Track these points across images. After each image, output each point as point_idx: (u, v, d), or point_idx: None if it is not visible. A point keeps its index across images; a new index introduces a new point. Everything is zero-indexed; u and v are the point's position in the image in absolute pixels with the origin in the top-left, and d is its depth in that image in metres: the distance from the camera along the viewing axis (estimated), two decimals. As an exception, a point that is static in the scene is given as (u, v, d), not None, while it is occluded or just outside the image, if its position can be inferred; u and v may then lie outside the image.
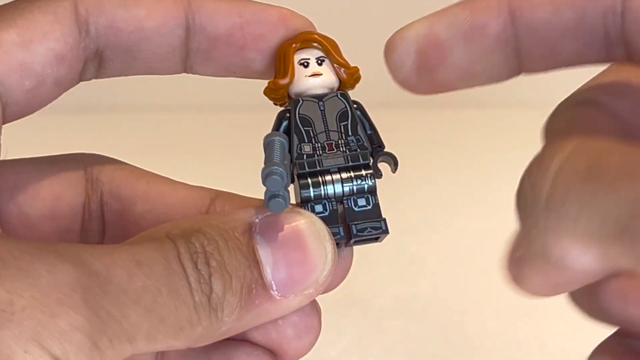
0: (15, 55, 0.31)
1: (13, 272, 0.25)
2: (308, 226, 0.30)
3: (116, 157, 0.36)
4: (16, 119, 0.33)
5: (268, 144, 0.31)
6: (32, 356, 0.24)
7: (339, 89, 0.34)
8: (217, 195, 0.36)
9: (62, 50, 0.32)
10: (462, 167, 0.79)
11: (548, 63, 0.33)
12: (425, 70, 0.32)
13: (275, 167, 0.30)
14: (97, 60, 0.33)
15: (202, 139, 0.86)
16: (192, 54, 0.34)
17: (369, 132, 0.33)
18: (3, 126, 0.31)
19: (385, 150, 0.33)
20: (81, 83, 0.34)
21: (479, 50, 0.32)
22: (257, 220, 0.30)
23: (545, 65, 0.33)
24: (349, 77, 0.34)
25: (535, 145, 0.29)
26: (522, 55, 0.33)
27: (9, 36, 0.31)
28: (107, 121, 0.88)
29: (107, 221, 0.36)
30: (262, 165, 0.30)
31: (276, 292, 0.29)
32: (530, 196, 0.26)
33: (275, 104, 0.34)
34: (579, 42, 0.32)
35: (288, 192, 0.30)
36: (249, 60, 0.34)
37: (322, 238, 0.31)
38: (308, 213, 0.31)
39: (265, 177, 0.30)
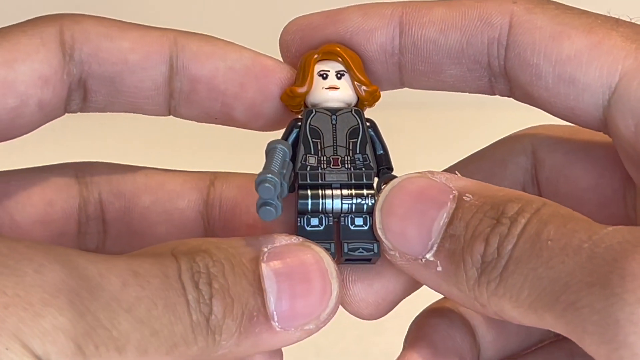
0: None
1: None
2: (316, 261, 0.30)
3: (110, 157, 0.36)
4: (0, 141, 0.33)
5: (269, 151, 0.31)
6: (14, 354, 0.24)
7: (356, 105, 0.33)
8: (216, 176, 0.36)
9: (46, 72, 0.32)
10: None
11: (429, 82, 0.34)
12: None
13: (270, 175, 0.29)
14: (81, 89, 0.33)
15: (201, 140, 0.85)
16: (175, 94, 0.34)
17: (379, 152, 0.33)
18: None
19: (393, 173, 0.33)
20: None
21: (361, 55, 0.33)
22: (265, 249, 0.30)
23: (426, 83, 0.34)
24: (367, 95, 0.33)
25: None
26: (404, 70, 0.34)
27: None
28: (102, 121, 0.88)
29: (109, 220, 0.36)
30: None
31: (277, 324, 0.29)
32: (491, 254, 0.28)
33: (292, 111, 0.34)
34: (462, 66, 0.33)
35: (281, 202, 0.30)
36: (229, 107, 0.34)
37: (329, 275, 0.30)
38: (318, 248, 0.30)
39: (258, 184, 0.29)
